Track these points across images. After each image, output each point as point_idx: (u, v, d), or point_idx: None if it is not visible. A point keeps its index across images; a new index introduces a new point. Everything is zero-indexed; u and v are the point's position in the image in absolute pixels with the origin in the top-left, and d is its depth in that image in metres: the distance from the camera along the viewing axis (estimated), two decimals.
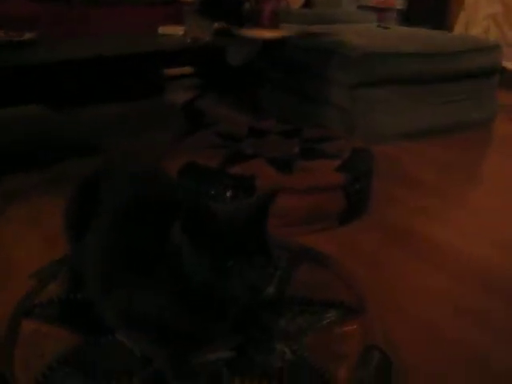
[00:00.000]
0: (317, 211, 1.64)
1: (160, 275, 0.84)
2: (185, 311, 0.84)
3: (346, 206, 1.67)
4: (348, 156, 1.78)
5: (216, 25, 2.25)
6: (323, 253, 1.13)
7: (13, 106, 2.64)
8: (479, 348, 1.09)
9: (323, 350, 0.87)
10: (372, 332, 0.90)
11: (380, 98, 2.43)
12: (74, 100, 2.78)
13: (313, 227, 1.57)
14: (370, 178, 1.77)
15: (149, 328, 0.86)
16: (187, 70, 3.21)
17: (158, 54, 2.07)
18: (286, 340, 0.90)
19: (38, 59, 2.00)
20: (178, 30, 2.35)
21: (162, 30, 2.43)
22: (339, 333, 0.91)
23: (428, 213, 1.76)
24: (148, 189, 0.96)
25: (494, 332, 1.14)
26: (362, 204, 1.74)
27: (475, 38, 3.28)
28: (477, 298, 1.28)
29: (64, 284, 1.04)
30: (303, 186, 1.62)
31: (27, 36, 2.04)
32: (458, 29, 3.76)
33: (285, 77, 2.75)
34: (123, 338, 0.90)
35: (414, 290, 1.32)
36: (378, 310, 1.00)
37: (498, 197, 1.92)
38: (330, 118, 2.46)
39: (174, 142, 1.91)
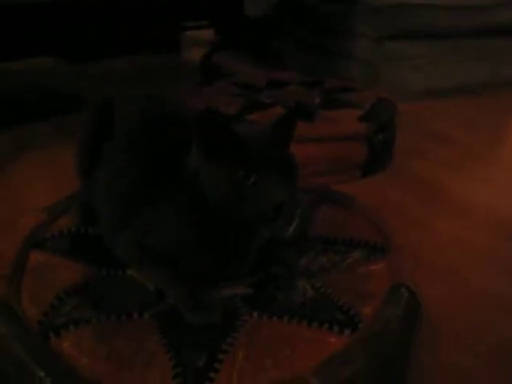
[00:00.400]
0: (339, 161, 1.59)
1: (176, 205, 0.79)
2: (202, 244, 0.79)
3: (369, 157, 1.61)
4: (371, 106, 1.72)
5: None
6: (346, 193, 1.07)
7: (28, 58, 2.61)
8: (507, 298, 1.05)
9: (348, 289, 0.82)
10: (399, 272, 0.84)
11: (405, 53, 2.34)
12: (87, 52, 2.74)
13: (336, 178, 1.51)
14: (394, 128, 1.71)
15: (163, 263, 0.81)
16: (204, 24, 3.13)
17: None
18: (308, 278, 0.84)
19: None
20: None
21: None
22: (364, 272, 0.86)
23: (455, 167, 1.71)
24: (161, 117, 0.91)
25: None
26: (385, 155, 1.68)
27: None
28: (506, 250, 1.23)
29: (75, 218, 0.99)
30: (325, 135, 1.56)
31: None
32: None
33: (304, 30, 2.66)
34: (135, 273, 0.85)
35: (441, 241, 1.27)
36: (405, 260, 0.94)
37: None
38: (352, 72, 2.38)
39: (189, 91, 1.85)
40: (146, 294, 0.81)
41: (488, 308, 1.03)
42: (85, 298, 0.80)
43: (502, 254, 1.21)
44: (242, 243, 0.81)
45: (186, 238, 0.80)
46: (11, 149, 1.81)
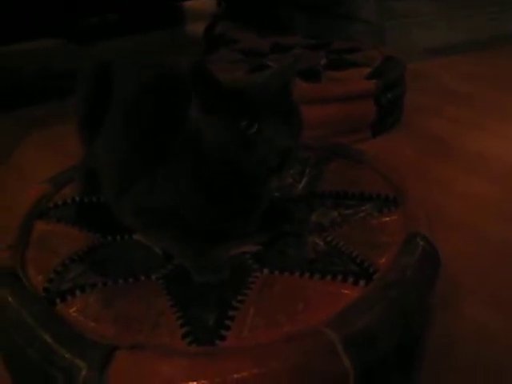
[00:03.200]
0: (348, 122, 1.55)
1: (179, 162, 0.77)
2: (209, 200, 0.76)
3: (378, 115, 1.57)
4: (379, 64, 1.67)
5: None
6: (356, 148, 1.03)
7: (30, 40, 2.59)
8: None
9: (361, 241, 0.79)
10: (414, 223, 0.81)
11: (411, 10, 2.27)
12: (93, 33, 2.71)
13: (346, 139, 1.46)
14: (403, 86, 1.66)
15: (169, 223, 0.79)
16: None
17: None
18: (319, 233, 0.82)
19: None
20: None
21: None
22: (378, 224, 0.83)
23: (467, 123, 1.66)
24: (161, 76, 0.88)
25: None
26: (395, 113, 1.64)
27: None
28: None
29: (78, 187, 0.97)
30: (333, 95, 1.53)
31: None
32: None
33: None
34: (141, 237, 0.83)
35: (456, 196, 1.24)
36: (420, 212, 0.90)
37: None
38: (358, 34, 2.32)
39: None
40: (153, 257, 0.79)
41: (506, 261, 1.00)
42: (90, 263, 0.78)
43: None
44: (250, 197, 0.78)
45: (191, 195, 0.77)
46: (17, 129, 1.80)
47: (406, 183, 0.92)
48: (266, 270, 0.74)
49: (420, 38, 2.26)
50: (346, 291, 0.70)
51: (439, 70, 2.15)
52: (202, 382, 0.57)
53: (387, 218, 0.84)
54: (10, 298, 0.72)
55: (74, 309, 0.69)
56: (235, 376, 0.58)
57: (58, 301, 0.71)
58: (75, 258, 0.79)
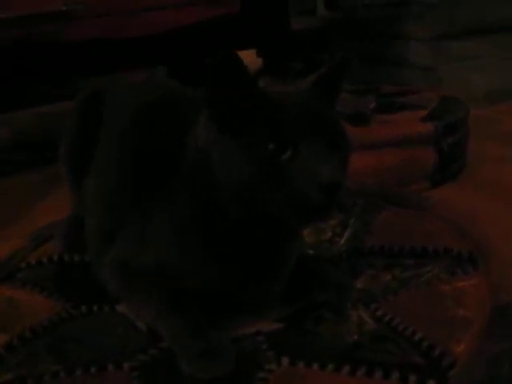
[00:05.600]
0: (404, 170, 1.32)
1: (175, 205, 0.57)
2: (214, 258, 0.56)
3: (439, 162, 1.33)
4: (436, 105, 1.46)
5: None
6: (417, 192, 0.80)
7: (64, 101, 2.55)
8: None
9: (426, 317, 0.55)
10: (505, 288, 0.57)
11: (468, 52, 2.07)
12: None
13: (402, 189, 1.24)
14: (466, 129, 1.43)
15: (160, 286, 0.58)
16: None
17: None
18: (365, 304, 0.58)
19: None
20: None
21: None
22: (449, 291, 0.59)
23: None
24: (155, 105, 0.71)
25: None
26: (458, 160, 1.40)
27: None
28: None
29: (60, 242, 0.78)
30: (385, 139, 1.31)
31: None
32: None
33: (354, 40, 2.45)
34: (125, 308, 0.62)
35: None
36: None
37: None
38: (410, 79, 2.13)
39: None
40: (134, 337, 0.58)
41: None
42: (46, 344, 0.57)
43: None
44: (275, 251, 0.57)
45: (191, 249, 0.57)
46: (41, 187, 1.71)
47: (484, 235, 0.68)
48: (285, 360, 0.51)
49: (478, 82, 2.05)
50: None
51: (502, 115, 1.92)
52: None
53: (463, 283, 0.61)
54: None
55: None
56: None
57: None
58: (27, 337, 0.58)
